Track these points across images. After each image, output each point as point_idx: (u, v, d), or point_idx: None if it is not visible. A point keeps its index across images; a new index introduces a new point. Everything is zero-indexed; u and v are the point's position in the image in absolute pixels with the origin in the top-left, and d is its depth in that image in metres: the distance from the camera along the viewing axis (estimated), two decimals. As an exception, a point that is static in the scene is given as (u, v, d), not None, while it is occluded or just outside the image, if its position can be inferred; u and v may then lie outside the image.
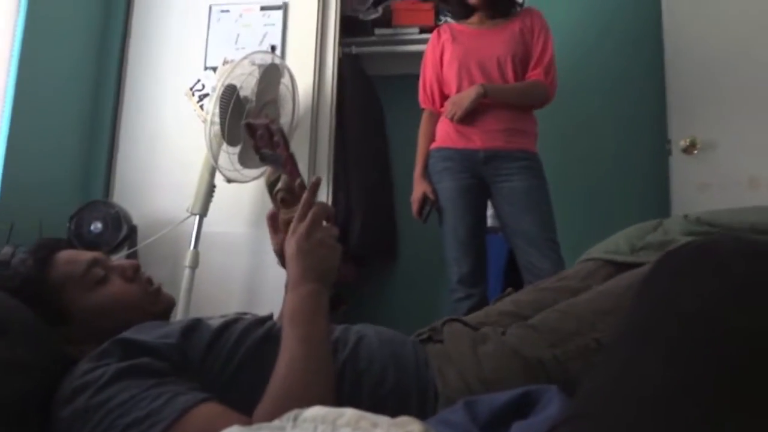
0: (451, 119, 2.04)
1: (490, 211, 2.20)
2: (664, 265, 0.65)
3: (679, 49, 2.34)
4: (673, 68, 2.34)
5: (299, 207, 0.92)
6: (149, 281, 1.04)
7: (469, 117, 2.02)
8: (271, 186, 1.04)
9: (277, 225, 1.02)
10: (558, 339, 0.89)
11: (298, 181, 1.02)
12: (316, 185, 0.95)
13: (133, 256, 2.06)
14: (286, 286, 0.97)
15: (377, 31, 2.77)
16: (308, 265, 0.88)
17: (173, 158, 2.35)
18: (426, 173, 2.12)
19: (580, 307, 0.94)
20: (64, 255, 0.97)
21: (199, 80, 2.39)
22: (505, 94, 2.04)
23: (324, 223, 0.93)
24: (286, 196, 1.01)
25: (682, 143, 2.25)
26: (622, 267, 1.07)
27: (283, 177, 1.02)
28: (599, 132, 2.57)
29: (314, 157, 2.33)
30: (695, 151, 2.24)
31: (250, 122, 1.06)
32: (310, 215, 0.90)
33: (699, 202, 2.16)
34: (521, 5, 2.21)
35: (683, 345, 0.56)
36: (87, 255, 0.99)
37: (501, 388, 0.78)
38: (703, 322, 0.57)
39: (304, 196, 0.93)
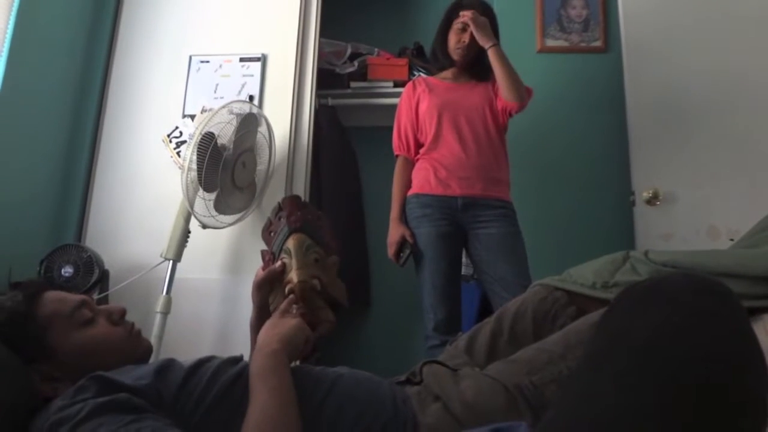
0: (465, 22, 2.11)
1: (464, 260, 2.24)
2: (620, 301, 0.70)
3: (640, 107, 2.47)
4: (635, 123, 2.46)
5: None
6: (133, 325, 1.06)
7: (447, 164, 2.10)
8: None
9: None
10: (533, 368, 0.94)
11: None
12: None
13: (103, 301, 2.02)
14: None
15: (353, 84, 2.86)
16: (273, 333, 0.95)
17: (148, 204, 2.35)
18: (403, 217, 2.17)
19: (552, 344, 0.99)
20: (53, 294, 1.00)
21: (176, 127, 2.42)
22: (504, 60, 2.10)
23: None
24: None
25: (645, 195, 2.34)
26: (591, 299, 1.13)
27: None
28: (568, 184, 2.66)
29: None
30: (658, 203, 2.34)
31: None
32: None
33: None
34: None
35: (634, 373, 0.61)
36: (76, 296, 1.02)
37: (483, 411, 0.82)
38: (651, 352, 0.62)
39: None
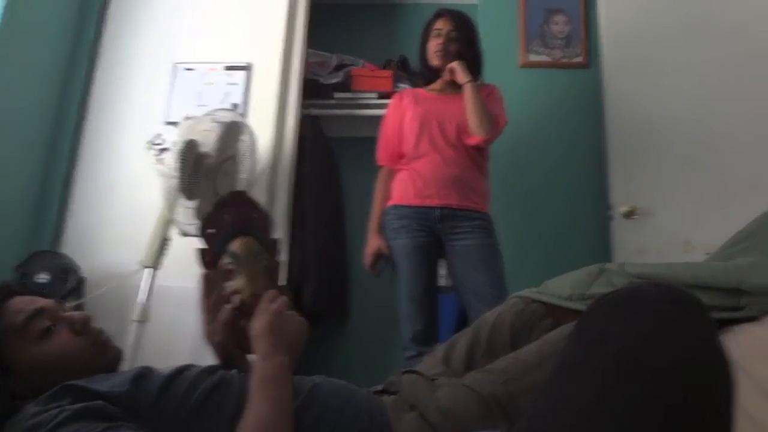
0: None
1: (442, 271, 2.25)
2: (594, 310, 0.71)
3: (620, 122, 2.51)
4: (614, 139, 2.50)
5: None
6: (99, 332, 1.01)
7: (426, 174, 2.11)
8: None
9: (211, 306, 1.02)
10: (508, 378, 0.95)
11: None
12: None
13: (79, 308, 2.00)
14: (226, 364, 1.00)
15: (337, 94, 2.87)
16: (280, 340, 0.92)
17: (128, 210, 2.33)
18: (380, 228, 2.17)
19: (527, 354, 1.00)
20: (14, 303, 0.95)
21: (159, 134, 2.41)
22: (476, 96, 2.11)
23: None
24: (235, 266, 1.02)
25: (623, 209, 2.38)
26: (568, 311, 1.14)
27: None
28: (548, 197, 2.69)
29: (271, 215, 2.35)
30: (635, 217, 2.38)
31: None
32: (282, 298, 0.97)
33: (639, 265, 2.28)
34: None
35: (608, 380, 0.62)
36: (33, 305, 0.96)
37: (458, 419, 0.83)
38: (626, 359, 0.63)
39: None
